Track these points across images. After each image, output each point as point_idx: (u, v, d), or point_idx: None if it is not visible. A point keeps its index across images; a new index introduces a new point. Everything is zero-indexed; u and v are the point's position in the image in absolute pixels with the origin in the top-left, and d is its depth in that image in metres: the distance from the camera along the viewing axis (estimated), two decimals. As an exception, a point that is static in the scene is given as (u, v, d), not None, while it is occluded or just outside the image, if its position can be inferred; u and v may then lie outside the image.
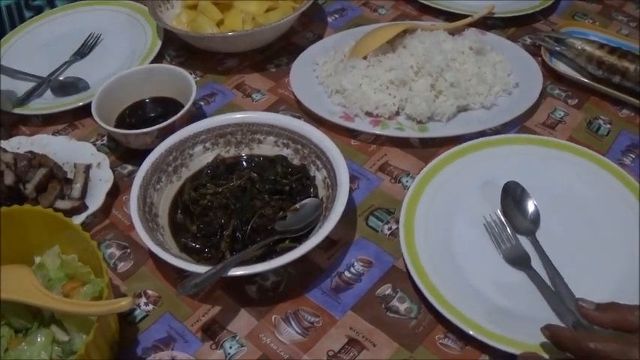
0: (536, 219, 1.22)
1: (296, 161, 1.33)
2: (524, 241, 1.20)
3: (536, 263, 1.15)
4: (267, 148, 1.36)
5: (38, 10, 1.92)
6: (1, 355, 1.05)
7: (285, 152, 1.34)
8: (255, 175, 1.29)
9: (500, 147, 1.36)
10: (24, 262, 1.13)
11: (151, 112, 1.49)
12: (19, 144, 1.44)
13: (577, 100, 1.51)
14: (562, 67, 1.58)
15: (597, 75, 1.53)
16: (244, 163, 1.36)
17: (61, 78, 1.67)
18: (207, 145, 1.36)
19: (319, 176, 1.29)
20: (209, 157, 1.36)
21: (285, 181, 1.28)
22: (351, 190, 1.20)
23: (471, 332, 1.05)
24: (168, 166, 1.31)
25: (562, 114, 1.48)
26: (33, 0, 1.92)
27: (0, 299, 1.05)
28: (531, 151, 1.35)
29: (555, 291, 1.11)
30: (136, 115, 1.49)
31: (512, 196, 1.25)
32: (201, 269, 1.09)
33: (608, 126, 1.44)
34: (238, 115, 1.38)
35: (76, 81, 1.64)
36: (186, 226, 1.25)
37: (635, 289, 1.11)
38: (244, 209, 1.23)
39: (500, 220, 1.23)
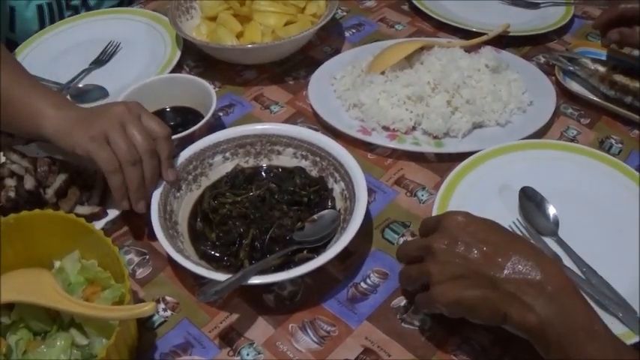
0: (556, 220, 1.25)
1: (314, 173, 1.34)
2: (549, 243, 1.22)
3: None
4: (286, 159, 1.38)
5: (75, 10, 1.96)
6: (19, 358, 1.06)
7: (304, 164, 1.36)
8: (274, 185, 1.31)
9: (515, 152, 1.39)
10: (43, 267, 1.14)
11: (171, 122, 1.50)
12: (38, 149, 1.44)
13: (589, 120, 1.53)
14: (575, 87, 1.60)
15: (610, 95, 1.55)
16: (263, 173, 1.37)
17: (80, 85, 1.68)
18: (227, 155, 1.38)
19: (337, 188, 1.30)
20: (228, 166, 1.37)
21: (304, 192, 1.29)
22: (367, 203, 1.22)
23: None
24: (188, 174, 1.33)
25: (575, 132, 1.50)
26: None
27: (19, 302, 1.07)
28: (544, 155, 1.39)
29: (592, 285, 1.13)
30: (155, 123, 1.49)
31: (531, 199, 1.28)
32: (220, 277, 1.10)
33: (620, 145, 1.46)
34: (258, 127, 1.40)
35: (95, 88, 1.65)
36: (205, 234, 1.26)
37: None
38: (263, 219, 1.25)
39: (523, 224, 1.26)
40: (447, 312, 1.01)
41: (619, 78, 1.53)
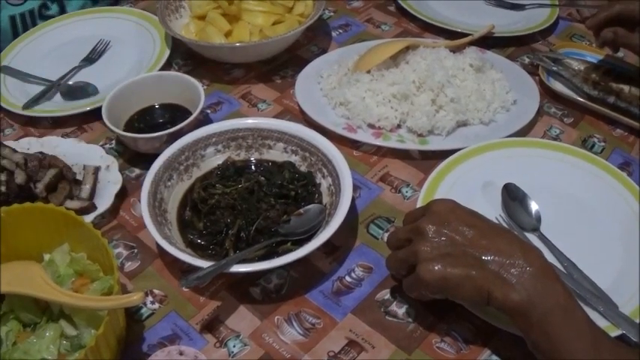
0: (538, 216, 1.28)
1: (303, 168, 1.36)
2: (532, 238, 1.25)
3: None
4: (277, 153, 1.40)
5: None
6: (9, 349, 1.07)
7: (294, 159, 1.38)
8: (263, 178, 1.32)
9: (498, 150, 1.42)
10: (33, 259, 1.16)
11: (160, 118, 1.52)
12: (29, 145, 1.47)
13: (572, 119, 1.55)
14: (559, 87, 1.62)
15: (593, 95, 1.57)
16: (253, 166, 1.39)
17: (70, 82, 1.69)
18: (219, 147, 1.40)
19: (324, 183, 1.32)
20: (220, 158, 1.39)
21: (292, 186, 1.31)
22: (353, 199, 1.23)
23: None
24: (180, 164, 1.35)
25: (558, 131, 1.52)
26: (46, 10, 1.96)
27: (9, 293, 1.08)
28: (526, 152, 1.42)
29: (573, 279, 1.16)
30: (144, 120, 1.51)
31: (514, 196, 1.30)
32: (204, 264, 1.13)
33: (603, 144, 1.49)
34: (250, 121, 1.42)
35: (85, 85, 1.66)
36: (193, 223, 1.28)
37: (633, 279, 1.17)
38: (250, 210, 1.26)
39: (506, 220, 1.29)
40: (431, 291, 1.04)
41: (602, 78, 1.55)
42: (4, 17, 1.90)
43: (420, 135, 1.47)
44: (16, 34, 1.90)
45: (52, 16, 1.94)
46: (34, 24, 1.93)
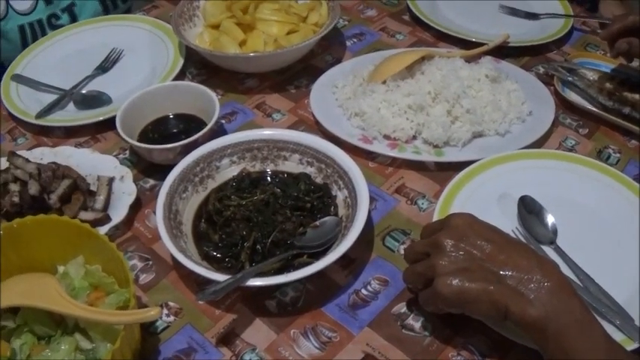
0: (554, 229, 1.27)
1: (319, 180, 1.36)
2: (548, 251, 1.24)
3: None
4: (292, 165, 1.39)
5: None
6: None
7: (309, 170, 1.38)
8: (279, 190, 1.32)
9: (514, 162, 1.41)
10: (47, 272, 1.15)
11: (174, 129, 1.52)
12: (42, 155, 1.46)
13: (588, 130, 1.54)
14: (574, 97, 1.61)
15: (608, 105, 1.56)
16: (269, 178, 1.39)
17: (83, 91, 1.69)
18: (234, 158, 1.39)
19: (340, 196, 1.32)
20: (235, 170, 1.39)
21: (307, 198, 1.31)
22: (369, 211, 1.23)
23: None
24: (195, 176, 1.34)
25: (573, 142, 1.51)
26: (57, 19, 1.96)
27: (23, 306, 1.08)
28: (542, 164, 1.41)
29: (589, 292, 1.15)
30: (158, 130, 1.51)
31: (530, 208, 1.29)
32: (220, 277, 1.12)
33: (618, 155, 1.48)
34: (266, 132, 1.42)
35: (99, 95, 1.66)
36: (208, 236, 1.28)
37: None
38: (266, 223, 1.26)
39: (522, 232, 1.28)
40: (448, 306, 1.04)
41: (617, 89, 1.55)
42: (13, 27, 1.91)
43: (435, 146, 1.46)
44: (25, 44, 1.91)
45: (63, 26, 1.94)
46: (44, 33, 1.93)
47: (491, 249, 1.03)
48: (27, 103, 1.65)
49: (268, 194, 1.31)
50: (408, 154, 1.45)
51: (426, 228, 1.16)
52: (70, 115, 1.62)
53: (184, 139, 1.39)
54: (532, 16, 1.91)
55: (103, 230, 1.28)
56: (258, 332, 1.16)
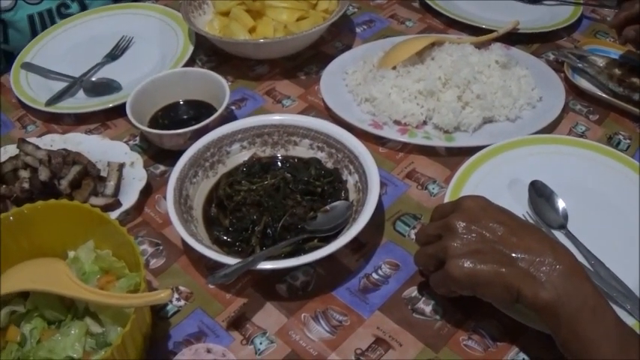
0: (565, 214, 1.27)
1: (329, 164, 1.36)
2: (559, 236, 1.23)
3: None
4: (303, 150, 1.39)
5: None
6: (34, 346, 1.06)
7: (320, 155, 1.37)
8: (289, 175, 1.32)
9: (524, 147, 1.41)
10: (57, 257, 1.15)
11: (184, 115, 1.52)
12: (52, 141, 1.47)
13: (598, 116, 1.54)
14: (584, 84, 1.61)
15: (618, 92, 1.56)
16: (279, 163, 1.39)
17: (93, 79, 1.70)
18: (245, 143, 1.39)
19: (351, 180, 1.32)
20: (245, 155, 1.39)
21: (318, 183, 1.31)
22: (379, 196, 1.23)
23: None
24: (205, 161, 1.34)
25: (583, 129, 1.51)
26: (66, 8, 1.96)
27: (34, 290, 1.08)
28: (552, 149, 1.41)
29: (600, 277, 1.15)
30: (168, 116, 1.51)
31: (541, 193, 1.29)
32: (231, 261, 1.12)
33: (628, 141, 1.47)
34: (276, 117, 1.42)
35: (109, 82, 1.66)
36: (219, 220, 1.28)
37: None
38: (276, 207, 1.26)
39: (533, 217, 1.28)
40: (460, 288, 1.04)
41: (627, 75, 1.54)
42: (23, 16, 1.91)
43: (446, 131, 1.46)
44: (35, 33, 1.91)
45: (73, 15, 1.94)
46: (53, 23, 1.94)
47: (503, 231, 1.03)
48: (37, 91, 1.65)
49: (279, 179, 1.31)
50: (418, 140, 1.45)
51: (436, 209, 1.16)
52: (80, 103, 1.63)
53: (194, 124, 1.39)
54: (541, 2, 1.91)
55: (113, 215, 1.28)
56: (269, 316, 1.16)
